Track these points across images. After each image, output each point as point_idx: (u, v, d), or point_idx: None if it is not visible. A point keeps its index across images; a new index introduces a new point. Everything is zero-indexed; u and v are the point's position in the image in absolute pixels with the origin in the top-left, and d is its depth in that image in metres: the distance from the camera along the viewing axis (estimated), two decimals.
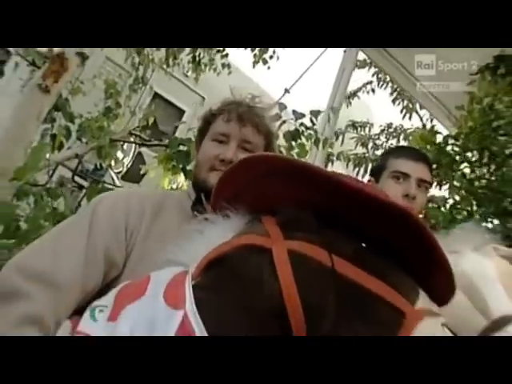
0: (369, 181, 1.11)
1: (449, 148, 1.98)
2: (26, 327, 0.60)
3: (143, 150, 3.44)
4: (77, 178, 2.59)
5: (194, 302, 0.48)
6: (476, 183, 1.96)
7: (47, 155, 2.10)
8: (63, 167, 2.47)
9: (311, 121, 2.32)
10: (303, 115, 2.30)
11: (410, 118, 2.27)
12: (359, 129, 2.81)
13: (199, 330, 0.47)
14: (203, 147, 0.92)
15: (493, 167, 1.92)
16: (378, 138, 2.73)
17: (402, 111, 2.45)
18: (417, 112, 2.50)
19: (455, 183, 2.00)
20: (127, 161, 3.57)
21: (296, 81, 2.58)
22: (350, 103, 2.94)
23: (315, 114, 2.30)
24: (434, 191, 2.07)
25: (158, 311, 0.49)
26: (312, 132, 2.33)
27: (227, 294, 0.49)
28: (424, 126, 2.17)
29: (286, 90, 2.45)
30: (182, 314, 0.47)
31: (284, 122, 2.25)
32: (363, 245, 0.51)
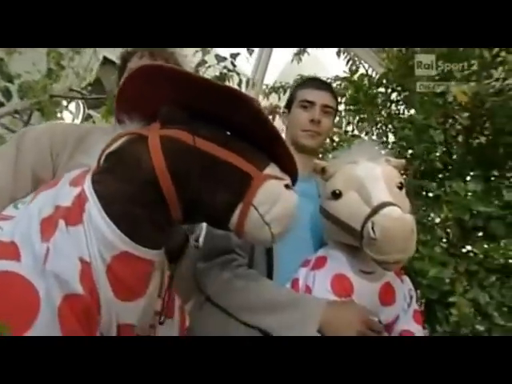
0: (283, 112, 1.22)
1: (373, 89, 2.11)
2: None
3: (92, 112, 3.42)
4: None
5: (90, 179, 0.64)
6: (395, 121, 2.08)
7: None
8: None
9: (232, 63, 2.39)
10: (225, 58, 2.36)
11: (356, 70, 2.26)
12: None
13: (92, 198, 0.61)
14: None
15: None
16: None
17: (347, 63, 2.47)
18: (361, 63, 2.49)
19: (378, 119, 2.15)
20: (77, 122, 3.59)
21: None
22: (301, 59, 2.91)
23: (234, 56, 2.35)
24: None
25: (62, 190, 0.64)
26: (235, 74, 2.39)
27: (116, 172, 0.64)
28: (369, 76, 2.20)
29: None
30: (80, 189, 0.63)
31: (209, 66, 2.34)
32: (227, 133, 0.67)
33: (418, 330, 0.93)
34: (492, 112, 1.65)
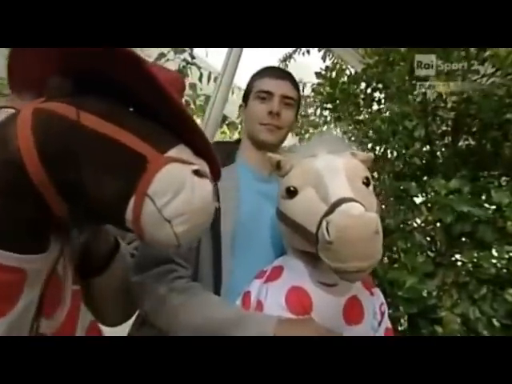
0: (240, 106, 1.11)
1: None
2: None
3: None
4: None
5: None
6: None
7: None
8: None
9: (190, 56, 2.33)
10: (184, 50, 2.30)
11: (334, 67, 2.23)
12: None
13: None
14: None
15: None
16: (308, 97, 2.71)
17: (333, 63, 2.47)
18: (347, 68, 2.48)
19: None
20: None
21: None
22: (287, 65, 2.92)
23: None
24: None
25: None
26: (194, 67, 2.32)
27: None
28: (348, 72, 2.18)
29: None
30: None
31: (167, 60, 2.28)
32: (130, 109, 0.56)
33: None
34: (479, 107, 1.55)
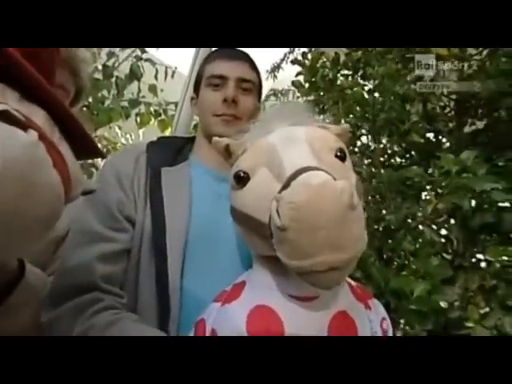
0: (192, 99, 0.95)
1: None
2: None
3: None
4: None
5: None
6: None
7: None
8: None
9: (141, 50, 2.18)
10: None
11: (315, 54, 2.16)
12: (280, 96, 2.73)
13: None
14: None
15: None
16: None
17: None
18: None
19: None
20: None
21: None
22: (276, 76, 2.89)
23: None
24: None
25: None
26: (148, 63, 2.16)
27: None
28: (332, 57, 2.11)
29: None
30: None
31: (117, 61, 2.18)
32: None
33: None
34: (484, 74, 1.30)
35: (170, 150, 0.86)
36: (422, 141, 1.47)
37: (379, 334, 0.63)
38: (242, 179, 0.57)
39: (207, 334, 0.61)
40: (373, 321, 0.63)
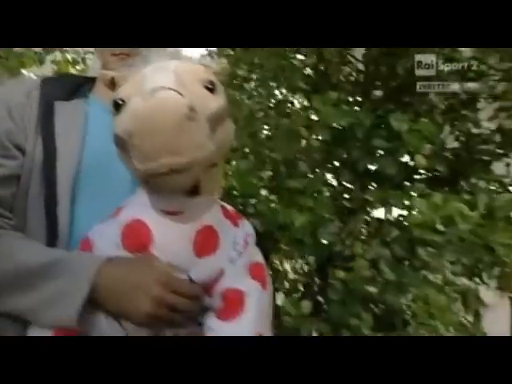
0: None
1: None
2: None
3: None
4: None
5: None
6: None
7: None
8: None
9: None
10: None
11: None
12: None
13: None
14: None
15: None
16: None
17: None
18: None
19: None
20: None
21: None
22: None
23: None
24: None
25: None
26: (58, 52, 2.12)
27: None
28: None
29: None
30: None
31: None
32: None
33: (253, 288, 0.66)
34: None
35: (67, 86, 0.85)
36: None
37: (241, 245, 0.69)
38: (119, 106, 0.60)
39: (89, 250, 0.67)
40: (237, 234, 0.70)
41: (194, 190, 0.61)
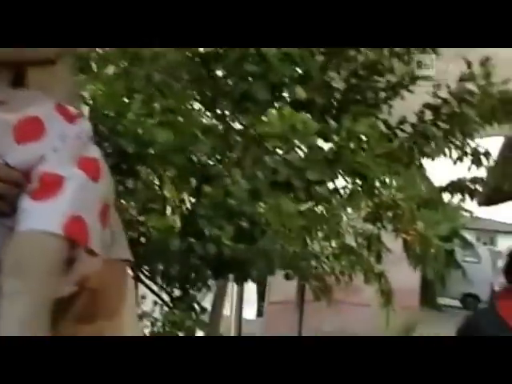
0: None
1: None
2: None
3: None
4: None
5: None
6: None
7: None
8: None
9: None
10: None
11: None
12: None
13: None
14: None
15: None
16: None
17: None
18: None
19: None
20: None
21: None
22: None
23: None
24: None
25: None
26: None
27: None
28: None
29: None
30: None
31: None
32: None
33: (76, 175, 0.66)
34: None
35: None
36: None
37: (70, 138, 0.70)
38: None
39: None
40: (69, 129, 0.70)
41: (19, 83, 0.63)
